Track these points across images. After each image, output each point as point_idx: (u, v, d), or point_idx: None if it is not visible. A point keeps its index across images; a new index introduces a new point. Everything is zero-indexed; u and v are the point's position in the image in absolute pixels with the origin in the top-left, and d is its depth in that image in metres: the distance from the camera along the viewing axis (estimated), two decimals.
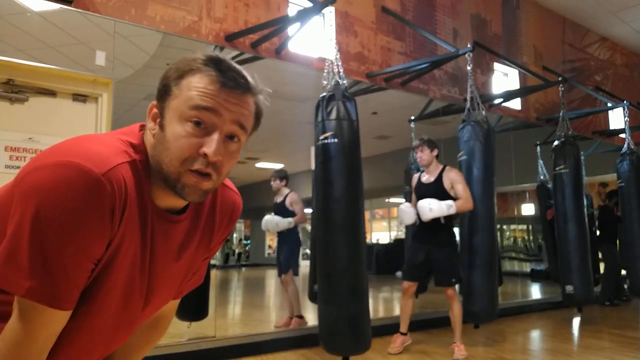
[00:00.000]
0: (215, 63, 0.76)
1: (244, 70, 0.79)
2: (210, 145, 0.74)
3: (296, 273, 4.21)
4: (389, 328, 3.75)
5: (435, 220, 3.43)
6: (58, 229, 0.67)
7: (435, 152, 3.56)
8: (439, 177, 3.51)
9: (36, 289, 0.68)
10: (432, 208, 3.37)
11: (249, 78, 0.79)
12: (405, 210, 3.58)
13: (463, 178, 3.52)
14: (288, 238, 4.26)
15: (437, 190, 3.46)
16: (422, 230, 3.57)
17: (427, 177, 3.59)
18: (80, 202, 0.67)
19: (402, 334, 3.63)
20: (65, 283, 0.70)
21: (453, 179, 3.48)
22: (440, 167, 3.56)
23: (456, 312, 3.48)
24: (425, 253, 3.52)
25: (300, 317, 4.07)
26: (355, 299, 2.85)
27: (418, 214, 3.49)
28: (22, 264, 0.68)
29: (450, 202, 3.38)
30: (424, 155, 3.53)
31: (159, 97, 0.79)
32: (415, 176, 3.72)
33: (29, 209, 0.67)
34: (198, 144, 0.74)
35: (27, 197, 0.67)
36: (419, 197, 3.53)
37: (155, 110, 0.79)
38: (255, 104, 0.81)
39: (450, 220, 3.50)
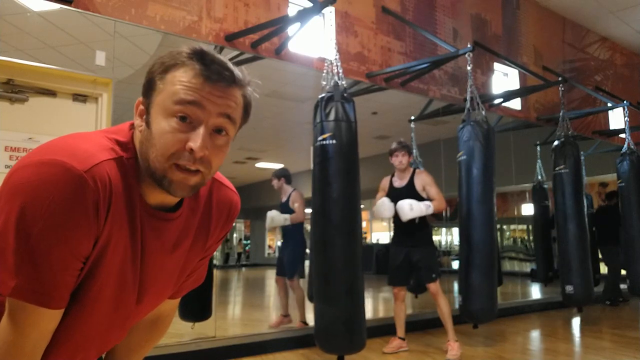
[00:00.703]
0: (199, 56, 0.75)
1: (229, 62, 0.78)
2: (196, 139, 0.73)
3: (302, 275, 4.18)
4: (389, 328, 3.75)
5: (411, 222, 3.54)
6: (42, 226, 0.67)
7: (411, 158, 3.70)
8: (411, 180, 3.63)
9: (22, 287, 0.68)
10: (413, 207, 3.48)
11: (235, 70, 0.78)
12: (385, 204, 3.59)
13: (433, 180, 3.65)
14: (292, 239, 4.22)
15: (410, 193, 3.59)
16: (399, 232, 3.70)
17: (399, 182, 3.68)
18: (64, 199, 0.67)
19: (400, 338, 3.66)
20: (52, 280, 0.70)
21: (425, 181, 3.62)
22: (411, 170, 3.69)
23: (443, 307, 3.52)
24: (405, 253, 3.62)
25: (305, 322, 4.06)
26: (351, 299, 2.87)
27: (397, 213, 3.57)
28: (8, 263, 0.68)
29: (428, 202, 3.52)
30: (404, 160, 3.64)
31: (144, 93, 0.78)
32: (387, 179, 3.78)
33: (14, 208, 0.67)
34: (184, 139, 0.74)
35: (12, 196, 0.68)
36: (393, 201, 3.63)
37: (141, 106, 0.79)
38: (242, 96, 0.80)
39: (424, 220, 3.59)
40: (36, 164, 0.68)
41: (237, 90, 0.78)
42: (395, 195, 3.64)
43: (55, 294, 0.71)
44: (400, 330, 3.65)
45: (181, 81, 0.74)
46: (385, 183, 3.78)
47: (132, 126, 0.82)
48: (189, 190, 0.78)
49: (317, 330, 2.92)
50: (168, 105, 0.74)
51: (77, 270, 0.73)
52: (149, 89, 0.77)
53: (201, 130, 0.74)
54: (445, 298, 3.56)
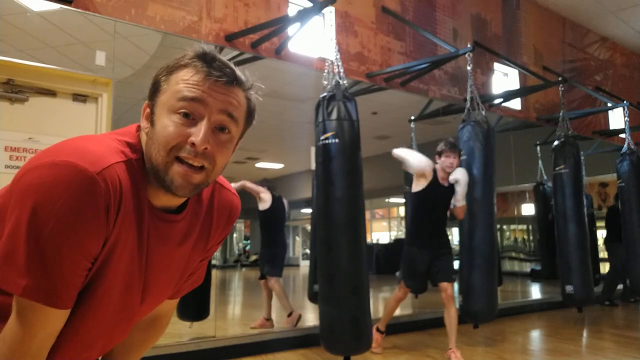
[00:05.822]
0: (201, 56, 0.77)
1: (231, 63, 0.80)
2: (197, 133, 0.75)
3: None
4: (389, 328, 3.74)
5: (440, 221, 3.46)
6: (54, 227, 0.67)
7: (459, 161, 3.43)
8: (450, 182, 3.38)
9: (33, 287, 0.69)
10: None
11: (236, 70, 0.79)
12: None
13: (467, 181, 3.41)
14: (274, 241, 4.26)
15: (451, 195, 3.39)
16: (424, 234, 3.52)
17: (442, 181, 3.40)
18: (76, 200, 0.67)
19: (379, 331, 3.60)
20: (62, 281, 0.70)
21: (457, 177, 3.35)
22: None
23: (453, 314, 3.35)
24: (429, 259, 3.49)
25: (268, 319, 4.10)
26: (356, 298, 2.85)
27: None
28: (19, 262, 0.68)
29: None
30: (455, 162, 3.36)
31: (150, 95, 0.80)
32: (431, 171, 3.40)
33: (25, 209, 0.67)
34: (186, 133, 0.75)
35: (23, 196, 0.68)
36: (435, 199, 3.39)
37: (147, 109, 0.81)
38: (246, 99, 0.81)
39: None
40: (48, 165, 0.68)
41: (239, 90, 0.80)
42: (442, 194, 3.39)
43: (64, 294, 0.71)
44: (384, 324, 3.62)
45: (184, 79, 0.76)
46: (429, 172, 3.37)
47: (139, 128, 0.83)
48: (192, 189, 0.78)
49: (322, 330, 2.91)
50: (172, 102, 0.76)
51: (85, 270, 0.73)
52: (154, 91, 0.79)
53: (203, 124, 0.75)
54: (455, 306, 3.37)
